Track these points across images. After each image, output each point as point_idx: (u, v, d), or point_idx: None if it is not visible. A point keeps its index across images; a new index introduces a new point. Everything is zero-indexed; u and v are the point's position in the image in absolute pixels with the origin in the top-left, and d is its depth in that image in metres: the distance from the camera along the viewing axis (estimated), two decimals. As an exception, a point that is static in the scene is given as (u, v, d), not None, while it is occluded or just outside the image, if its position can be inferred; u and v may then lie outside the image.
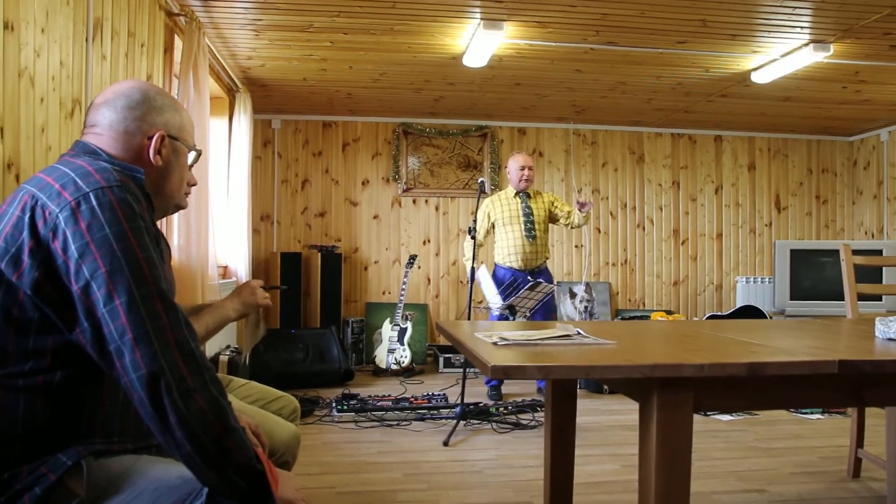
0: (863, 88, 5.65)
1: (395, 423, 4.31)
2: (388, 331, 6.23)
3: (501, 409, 4.48)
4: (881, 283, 5.89)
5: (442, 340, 6.74)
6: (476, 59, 4.77)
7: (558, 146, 7.27)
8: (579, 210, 5.03)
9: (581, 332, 1.96)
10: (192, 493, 1.18)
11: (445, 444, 3.85)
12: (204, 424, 1.11)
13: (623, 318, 6.75)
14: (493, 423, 4.26)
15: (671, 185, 7.45)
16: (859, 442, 3.30)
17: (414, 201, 7.06)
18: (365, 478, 3.31)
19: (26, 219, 1.15)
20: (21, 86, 2.32)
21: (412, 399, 4.69)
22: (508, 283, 4.86)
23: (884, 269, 6.05)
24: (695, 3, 3.92)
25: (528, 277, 4.83)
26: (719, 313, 6.65)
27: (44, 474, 1.15)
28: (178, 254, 3.85)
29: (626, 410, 4.63)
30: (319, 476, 3.32)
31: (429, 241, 7.06)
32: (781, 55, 4.79)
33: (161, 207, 1.47)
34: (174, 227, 3.86)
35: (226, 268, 5.45)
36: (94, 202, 1.15)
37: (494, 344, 1.76)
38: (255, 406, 2.16)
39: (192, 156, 1.52)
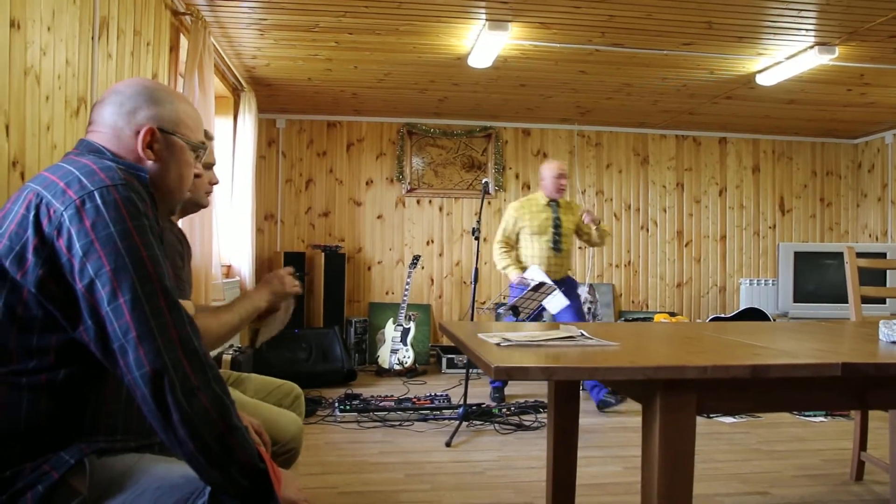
0: (868, 91, 5.63)
1: (397, 423, 4.31)
2: (391, 331, 6.23)
3: (504, 410, 4.48)
4: (885, 285, 5.87)
5: (445, 341, 6.74)
6: (481, 59, 4.78)
7: (562, 147, 7.27)
8: (585, 219, 4.94)
9: (584, 333, 1.96)
10: (195, 492, 1.18)
11: (448, 444, 3.85)
12: (207, 423, 1.11)
13: (626, 320, 6.75)
14: (496, 424, 4.26)
15: (675, 186, 7.44)
16: (862, 445, 3.29)
17: (418, 202, 7.07)
18: (367, 478, 3.32)
19: (31, 217, 1.15)
20: (27, 84, 2.33)
21: (415, 399, 4.69)
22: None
23: (888, 271, 6.04)
24: (701, 5, 3.92)
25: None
26: (723, 315, 6.64)
27: (46, 472, 1.15)
28: (182, 253, 3.85)
29: (628, 412, 4.62)
30: (322, 476, 3.33)
31: (432, 241, 7.06)
32: (786, 57, 4.78)
33: (166, 205, 1.45)
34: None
35: (229, 267, 5.46)
36: (99, 200, 1.15)
37: (497, 345, 1.76)
38: (258, 398, 2.17)
39: (193, 150, 1.46)
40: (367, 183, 7.02)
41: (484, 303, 6.87)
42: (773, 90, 5.56)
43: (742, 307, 6.79)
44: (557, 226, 4.90)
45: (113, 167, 1.23)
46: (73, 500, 1.16)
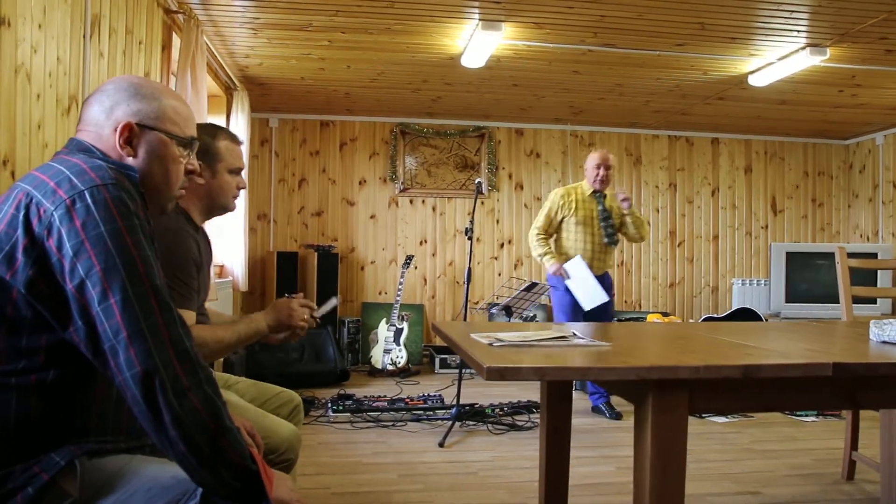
0: (859, 92, 5.66)
1: (390, 423, 4.30)
2: (384, 331, 6.23)
3: (497, 410, 4.48)
4: (876, 286, 5.90)
5: (438, 341, 6.74)
6: (474, 59, 4.78)
7: (556, 147, 7.28)
8: (619, 197, 4.64)
9: (577, 333, 1.96)
10: (187, 494, 1.17)
11: (441, 445, 3.84)
12: (198, 424, 1.11)
13: (619, 320, 6.76)
14: (489, 425, 4.26)
15: (668, 187, 7.46)
16: (853, 444, 3.31)
17: (411, 201, 7.06)
18: (360, 478, 3.31)
19: (21, 217, 1.14)
20: (18, 82, 2.32)
21: (408, 400, 4.69)
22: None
23: (878, 271, 6.07)
24: (693, 6, 3.93)
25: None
26: (715, 315, 6.66)
27: (36, 474, 1.15)
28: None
29: (621, 412, 4.63)
30: (315, 476, 3.32)
31: (426, 241, 7.06)
32: (778, 58, 4.80)
33: (156, 203, 1.42)
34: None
35: (222, 267, 5.44)
36: (89, 200, 1.14)
37: (490, 345, 1.76)
38: (255, 404, 2.16)
39: (181, 146, 1.42)
40: (360, 183, 7.01)
41: (477, 303, 6.87)
42: (766, 91, 5.58)
43: (734, 307, 6.81)
44: (606, 218, 4.60)
45: (103, 166, 1.22)
46: (63, 501, 1.15)
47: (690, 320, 7.23)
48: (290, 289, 6.36)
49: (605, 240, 4.58)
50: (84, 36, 2.81)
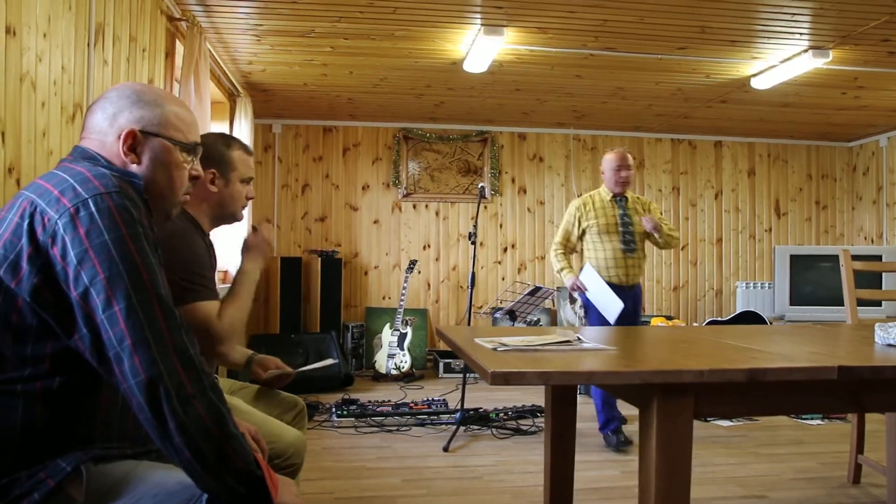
0: (862, 94, 5.65)
1: (394, 428, 4.30)
2: (387, 336, 6.23)
3: (501, 414, 4.48)
4: (881, 288, 5.88)
5: (442, 345, 6.73)
6: (476, 64, 4.78)
7: (558, 151, 7.28)
8: (653, 232, 4.28)
9: (581, 337, 1.96)
10: (192, 499, 1.18)
11: (445, 449, 3.84)
12: (203, 430, 1.11)
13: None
14: (493, 429, 4.26)
15: (671, 190, 7.45)
16: (859, 448, 3.30)
17: (414, 206, 7.07)
18: (364, 483, 3.31)
19: (25, 225, 1.15)
20: (23, 90, 2.33)
21: (412, 404, 4.69)
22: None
23: (883, 274, 6.05)
24: (695, 9, 3.93)
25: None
26: (719, 319, 6.65)
27: (42, 480, 1.15)
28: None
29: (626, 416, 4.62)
30: (319, 482, 3.32)
31: (429, 246, 7.06)
32: (781, 61, 4.79)
33: (160, 210, 1.43)
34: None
35: (226, 272, 5.45)
36: (93, 208, 1.15)
37: (494, 350, 1.76)
38: (258, 407, 2.16)
39: (184, 152, 1.42)
40: (363, 188, 7.02)
41: (481, 307, 6.87)
42: (768, 94, 5.58)
43: (738, 310, 6.80)
44: (627, 223, 4.27)
45: (107, 174, 1.22)
46: (69, 507, 1.15)
47: (694, 324, 7.22)
48: (294, 295, 6.36)
49: (622, 247, 4.23)
50: (88, 44, 2.82)
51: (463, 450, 3.88)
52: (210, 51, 4.42)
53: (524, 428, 4.30)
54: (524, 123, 7.03)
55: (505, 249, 7.16)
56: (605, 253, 4.25)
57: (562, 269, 4.30)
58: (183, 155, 1.42)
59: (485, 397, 5.17)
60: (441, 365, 6.32)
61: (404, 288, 6.31)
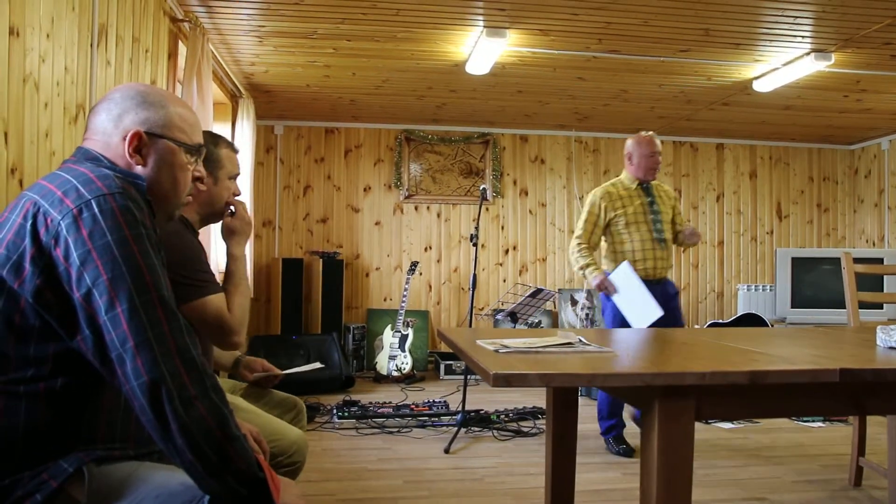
0: (864, 97, 5.65)
1: (395, 430, 4.30)
2: (389, 337, 6.23)
3: (502, 416, 4.48)
4: (882, 291, 5.88)
5: (443, 347, 6.74)
6: (479, 66, 4.79)
7: (560, 153, 7.28)
8: (685, 241, 4.14)
9: (583, 339, 1.96)
10: (194, 500, 1.18)
11: (446, 451, 3.84)
12: (205, 432, 1.11)
13: (625, 326, 6.74)
14: (494, 431, 4.26)
15: (673, 192, 7.44)
16: (861, 450, 3.29)
17: (416, 208, 7.07)
18: (365, 485, 3.31)
19: (28, 226, 1.15)
20: (26, 91, 2.33)
21: (413, 406, 4.69)
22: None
23: (885, 277, 6.05)
24: (698, 12, 3.94)
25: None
26: (720, 321, 6.65)
27: (45, 481, 1.15)
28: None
29: (627, 418, 4.61)
30: (320, 483, 3.32)
31: (430, 247, 7.06)
32: (783, 64, 4.80)
33: (164, 211, 1.43)
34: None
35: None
36: (96, 209, 1.15)
37: (496, 351, 1.76)
38: (257, 405, 2.17)
39: (189, 153, 1.43)
40: (364, 189, 7.02)
41: (482, 309, 6.87)
42: (770, 96, 5.58)
43: (740, 313, 6.80)
44: (656, 211, 4.05)
45: (110, 175, 1.23)
46: (71, 508, 1.16)
47: (696, 326, 7.22)
48: (295, 296, 6.36)
49: (655, 236, 3.98)
50: (91, 45, 2.83)
51: (464, 451, 3.88)
52: (213, 52, 4.43)
53: (525, 429, 4.30)
54: (526, 125, 7.03)
55: (506, 251, 7.16)
56: (632, 245, 3.98)
57: (587, 266, 3.97)
58: (187, 156, 1.42)
59: (486, 399, 5.17)
60: (442, 366, 6.32)
61: (405, 289, 6.31)
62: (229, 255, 2.05)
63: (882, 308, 6.24)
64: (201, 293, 1.82)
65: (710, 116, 6.46)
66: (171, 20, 3.87)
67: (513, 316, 4.66)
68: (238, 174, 2.15)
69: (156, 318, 1.13)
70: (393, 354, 6.12)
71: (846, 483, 3.33)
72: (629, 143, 4.16)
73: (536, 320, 6.71)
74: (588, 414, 4.70)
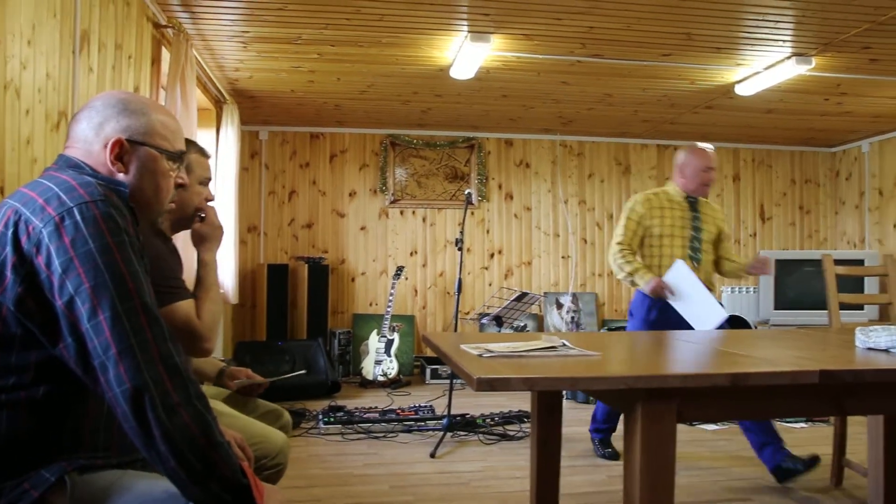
0: (844, 101, 5.72)
1: (381, 435, 4.30)
2: (374, 342, 6.22)
3: (488, 420, 4.48)
4: (863, 292, 5.94)
5: (429, 352, 6.74)
6: (463, 71, 4.80)
7: (545, 157, 7.31)
8: (751, 270, 3.80)
9: (566, 343, 1.97)
10: (177, 508, 1.18)
11: (432, 455, 3.84)
12: (188, 439, 1.11)
13: (609, 329, 6.78)
14: (480, 435, 4.26)
15: (722, 213, 7.47)
16: (842, 450, 3.33)
17: (401, 212, 7.07)
18: (351, 490, 3.31)
19: (9, 234, 1.15)
20: (7, 98, 2.32)
21: (399, 411, 4.69)
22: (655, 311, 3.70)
23: (865, 278, 6.11)
24: (680, 16, 3.97)
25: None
26: (705, 323, 6.68)
27: (26, 491, 1.15)
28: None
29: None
30: (306, 489, 3.31)
31: (416, 252, 7.07)
32: (765, 68, 4.84)
33: (147, 218, 1.44)
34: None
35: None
36: (78, 217, 1.15)
37: (480, 356, 1.77)
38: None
39: (171, 160, 1.43)
40: (350, 194, 7.02)
41: (468, 313, 6.87)
42: (752, 100, 5.63)
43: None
44: (697, 228, 3.79)
45: (92, 182, 1.22)
46: (53, 518, 1.15)
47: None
48: (280, 302, 6.34)
49: (689, 253, 3.73)
50: (73, 51, 2.81)
51: (450, 456, 3.89)
52: (196, 57, 4.42)
53: (511, 433, 4.31)
54: (511, 129, 7.06)
55: (492, 255, 7.18)
56: (660, 260, 3.73)
57: (635, 271, 3.67)
58: (169, 163, 1.42)
59: (472, 403, 5.18)
60: (428, 371, 6.32)
61: (391, 294, 6.31)
62: (200, 261, 2.03)
63: (863, 309, 6.30)
64: (170, 300, 1.81)
65: (693, 120, 6.51)
66: (155, 26, 3.86)
67: (498, 320, 4.67)
68: (209, 179, 2.14)
69: (139, 325, 1.13)
70: (379, 359, 6.11)
71: (828, 483, 3.37)
72: (683, 153, 3.85)
73: (522, 324, 6.72)
74: (573, 417, 4.72)
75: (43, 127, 2.58)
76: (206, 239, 2.06)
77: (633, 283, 3.73)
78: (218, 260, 2.08)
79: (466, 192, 4.72)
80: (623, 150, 7.44)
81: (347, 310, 6.94)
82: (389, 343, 6.16)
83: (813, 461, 3.31)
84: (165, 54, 4.03)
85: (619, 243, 3.78)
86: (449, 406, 4.31)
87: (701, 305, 3.51)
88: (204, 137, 5.51)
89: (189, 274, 2.19)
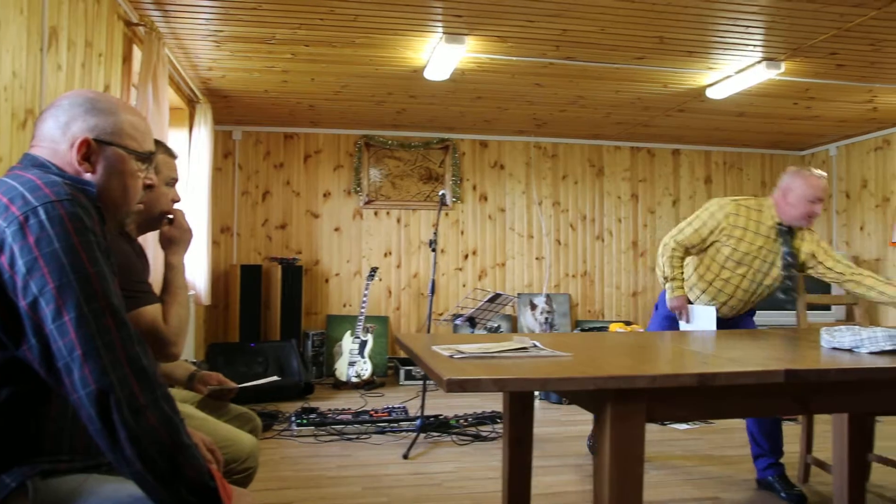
0: (812, 105, 5.81)
1: (354, 436, 4.29)
2: (348, 343, 6.20)
3: (461, 421, 4.49)
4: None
5: (403, 353, 6.72)
6: (438, 72, 4.80)
7: (519, 159, 7.33)
8: None
9: (538, 344, 1.98)
10: (144, 511, 1.17)
11: (405, 457, 3.84)
12: (155, 441, 1.10)
13: (583, 330, 6.83)
14: (454, 436, 4.27)
15: (630, 197, 7.56)
16: (808, 448, 3.40)
17: (375, 213, 7.06)
18: (324, 492, 3.29)
19: (-28, 234, 1.13)
20: (-29, 96, 2.28)
21: (372, 412, 4.68)
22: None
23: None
24: (653, 20, 4.01)
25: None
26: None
27: (-14, 496, 1.13)
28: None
29: (584, 421, 4.67)
30: (278, 491, 3.29)
31: (390, 253, 7.06)
32: (736, 72, 4.91)
33: (114, 219, 1.43)
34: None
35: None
36: (44, 216, 1.13)
37: (451, 357, 1.78)
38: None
39: (139, 161, 1.42)
40: (324, 195, 6.99)
41: (441, 314, 6.88)
42: (724, 103, 5.70)
43: (695, 316, 6.89)
44: (789, 265, 3.33)
45: (58, 182, 1.21)
46: (15, 524, 1.13)
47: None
48: (254, 303, 6.30)
49: (781, 295, 3.41)
50: (42, 49, 2.77)
51: (423, 457, 3.89)
52: (169, 56, 4.37)
53: (484, 434, 4.32)
54: (485, 131, 7.07)
55: (466, 256, 7.19)
56: (720, 282, 3.39)
57: (672, 279, 3.43)
58: (137, 164, 1.41)
59: (445, 404, 5.18)
60: (402, 372, 6.32)
61: (365, 295, 6.29)
62: (167, 264, 2.00)
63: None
64: (135, 304, 1.78)
65: (666, 123, 6.57)
66: (126, 24, 3.81)
67: (472, 321, 4.68)
68: (176, 180, 2.12)
69: (105, 326, 1.12)
70: (352, 361, 6.09)
71: (795, 479, 3.42)
72: (790, 176, 3.33)
73: (496, 325, 6.75)
74: (546, 417, 4.74)
75: (9, 125, 2.54)
76: (175, 242, 2.03)
77: (663, 284, 3.51)
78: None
79: (441, 193, 4.71)
80: (597, 152, 7.49)
81: (321, 311, 6.91)
82: (363, 344, 6.15)
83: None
84: (137, 53, 3.99)
85: (677, 240, 3.42)
86: (422, 407, 4.32)
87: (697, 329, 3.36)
88: (176, 137, 5.46)
89: (156, 276, 2.16)
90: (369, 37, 4.30)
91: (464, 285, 7.14)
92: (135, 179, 1.41)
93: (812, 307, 3.49)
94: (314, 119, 6.57)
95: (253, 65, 4.90)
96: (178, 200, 2.13)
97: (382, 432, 4.37)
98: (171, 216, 2.05)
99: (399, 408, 4.82)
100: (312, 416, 4.55)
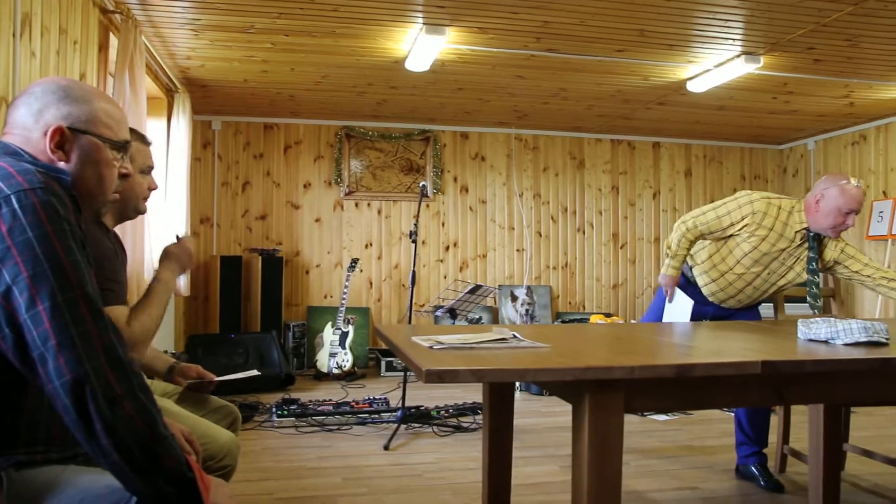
0: (791, 99, 5.86)
1: (335, 427, 4.28)
2: (329, 335, 6.19)
3: (442, 412, 4.50)
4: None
5: (384, 344, 6.71)
6: (419, 63, 4.79)
7: (500, 151, 7.34)
8: None
9: (517, 335, 1.98)
10: (120, 503, 1.15)
11: (386, 448, 3.84)
12: (132, 432, 1.09)
13: (563, 321, 6.85)
14: (434, 427, 4.27)
15: (610, 190, 7.59)
16: (785, 438, 3.44)
17: (356, 204, 7.04)
18: (305, 483, 3.29)
19: (-56, 223, 1.11)
20: (-57, 83, 2.24)
21: (353, 403, 4.67)
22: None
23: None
24: (633, 13, 4.02)
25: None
26: (656, 316, 6.79)
27: (-41, 488, 1.11)
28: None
29: (564, 412, 4.69)
30: (258, 482, 3.28)
31: (371, 244, 7.04)
32: (715, 65, 4.94)
33: (90, 208, 1.41)
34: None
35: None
36: (16, 204, 1.12)
37: (430, 348, 1.77)
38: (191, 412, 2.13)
39: (115, 149, 1.40)
40: (304, 186, 6.96)
41: (422, 305, 6.88)
42: (704, 97, 5.74)
43: (675, 307, 6.95)
44: (814, 271, 3.24)
45: (31, 170, 1.19)
46: (-11, 516, 1.12)
47: (633, 321, 7.37)
48: (234, 294, 6.26)
49: (809, 300, 3.42)
50: (14, 35, 2.73)
51: (404, 448, 3.89)
52: (146, 45, 4.32)
53: (465, 425, 4.33)
54: (466, 123, 7.07)
55: (447, 248, 7.19)
56: (732, 276, 3.30)
57: (674, 258, 3.32)
58: (113, 153, 1.39)
59: (426, 395, 5.19)
60: (383, 363, 6.31)
61: (346, 286, 6.28)
62: (156, 275, 1.98)
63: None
64: (103, 301, 1.76)
65: (646, 115, 6.60)
66: (102, 11, 3.76)
67: (452, 312, 4.68)
68: (151, 167, 2.10)
69: (79, 315, 1.10)
70: (333, 352, 6.08)
71: (773, 470, 3.46)
72: (826, 184, 3.12)
73: (476, 316, 6.76)
74: (526, 408, 4.76)
75: (-17, 113, 2.50)
76: (172, 260, 2.01)
77: (664, 259, 3.43)
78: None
79: (421, 185, 4.70)
80: (578, 145, 7.51)
81: (302, 302, 6.89)
82: (344, 335, 6.14)
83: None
84: (113, 41, 3.94)
85: (695, 223, 3.25)
86: (403, 398, 4.32)
87: (676, 315, 3.40)
88: (155, 127, 5.40)
89: (133, 266, 2.14)
90: (350, 27, 4.27)
91: (445, 277, 7.14)
92: (110, 169, 1.39)
93: (789, 299, 3.53)
94: (294, 109, 6.53)
95: (232, 54, 4.86)
96: (154, 188, 2.11)
97: (363, 423, 4.36)
98: (179, 236, 2.05)
99: (380, 399, 4.82)
100: (293, 407, 4.54)
